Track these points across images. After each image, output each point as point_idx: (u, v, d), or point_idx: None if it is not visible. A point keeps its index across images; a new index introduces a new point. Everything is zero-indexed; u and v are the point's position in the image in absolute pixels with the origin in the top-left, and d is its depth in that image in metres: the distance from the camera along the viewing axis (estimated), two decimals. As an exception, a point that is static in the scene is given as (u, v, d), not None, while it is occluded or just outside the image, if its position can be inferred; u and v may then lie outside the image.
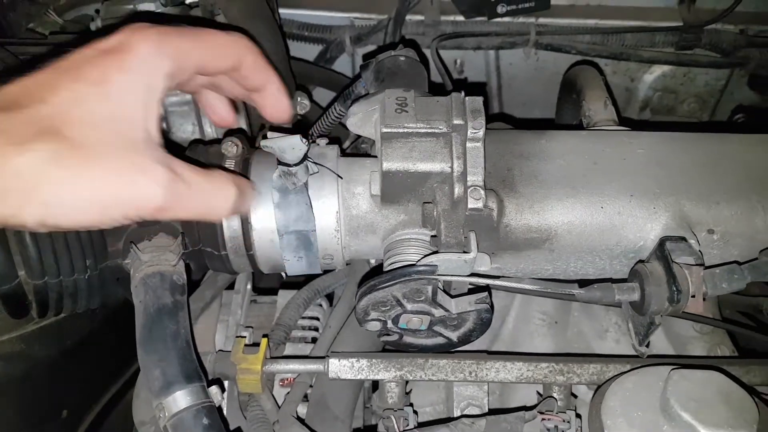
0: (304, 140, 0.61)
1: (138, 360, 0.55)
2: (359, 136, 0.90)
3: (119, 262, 0.64)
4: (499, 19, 1.11)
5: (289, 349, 0.85)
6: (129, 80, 0.47)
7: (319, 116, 0.81)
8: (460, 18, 1.12)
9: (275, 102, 0.59)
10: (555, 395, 0.70)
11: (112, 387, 1.01)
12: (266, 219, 0.65)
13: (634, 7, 1.15)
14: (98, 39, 0.47)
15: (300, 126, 0.87)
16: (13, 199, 0.42)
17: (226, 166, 0.65)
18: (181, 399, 0.52)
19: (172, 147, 0.54)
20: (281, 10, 1.07)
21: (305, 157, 0.63)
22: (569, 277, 0.68)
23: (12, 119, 0.42)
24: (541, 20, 1.13)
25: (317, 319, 0.91)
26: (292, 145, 0.61)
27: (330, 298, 0.97)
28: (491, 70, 1.22)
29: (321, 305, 0.94)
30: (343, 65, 1.20)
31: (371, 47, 1.17)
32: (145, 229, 0.64)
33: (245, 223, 0.65)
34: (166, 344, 0.54)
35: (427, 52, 1.12)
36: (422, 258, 0.59)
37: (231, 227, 0.65)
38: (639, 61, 1.14)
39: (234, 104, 0.62)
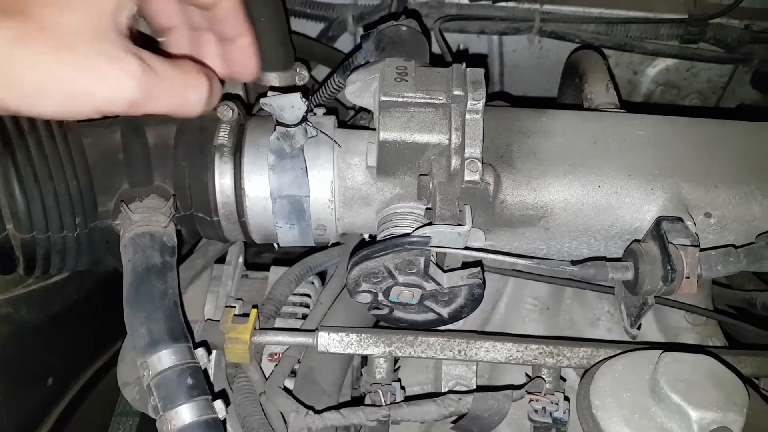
0: (304, 99, 0.60)
1: (124, 319, 0.54)
2: (357, 112, 0.90)
3: (109, 223, 0.63)
4: (503, 4, 1.10)
5: (278, 324, 0.85)
6: None
7: (318, 87, 0.80)
8: (465, 1, 1.11)
9: (244, 57, 0.57)
10: (544, 377, 0.70)
11: (99, 358, 1.01)
12: (260, 185, 0.64)
13: (640, -2, 1.14)
14: None
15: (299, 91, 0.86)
16: None
17: (221, 131, 0.64)
18: (165, 358, 0.51)
19: (145, 42, 0.52)
20: (284, -14, 1.05)
21: (304, 119, 0.62)
22: (563, 258, 0.67)
23: None
24: (546, 7, 1.12)
25: (308, 296, 0.91)
26: (292, 103, 0.60)
27: (322, 277, 0.96)
28: (494, 57, 1.21)
29: (313, 283, 0.93)
30: (344, 44, 1.18)
31: (374, 27, 1.16)
32: (136, 189, 0.63)
33: (238, 189, 0.64)
34: (153, 303, 0.53)
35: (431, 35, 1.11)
36: (416, 230, 0.59)
37: (224, 192, 0.64)
38: (643, 52, 1.13)
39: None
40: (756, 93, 1.23)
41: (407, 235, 0.58)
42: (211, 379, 0.72)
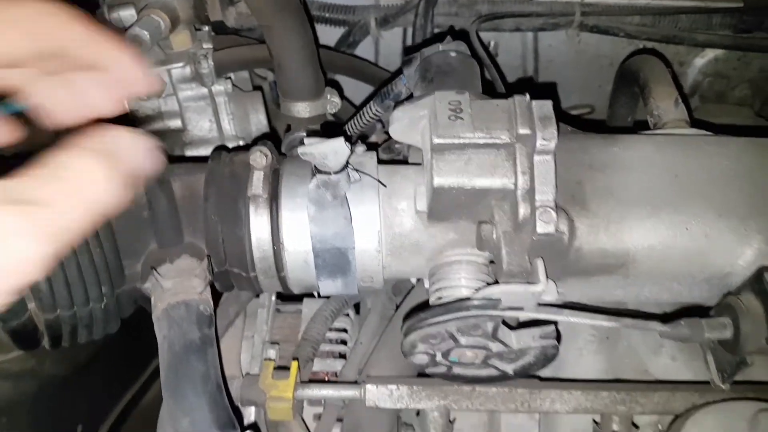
0: (348, 143, 0.53)
1: (164, 405, 0.49)
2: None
3: (137, 286, 0.57)
4: (541, -1, 1.01)
5: (317, 365, 0.79)
6: None
7: (352, 115, 0.73)
8: (498, -4, 1.02)
9: (129, 75, 0.40)
10: (615, 426, 0.64)
11: (125, 396, 0.96)
12: (300, 239, 0.57)
13: (689, -16, 1.04)
14: None
15: (329, 127, 0.79)
16: None
17: (255, 179, 0.57)
18: (213, 454, 0.46)
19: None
20: (301, -11, 0.97)
21: (347, 164, 0.55)
22: (639, 302, 0.61)
23: None
24: (587, -1, 1.03)
25: (345, 331, 0.85)
26: (335, 150, 0.53)
27: (357, 307, 0.90)
28: (528, 52, 1.13)
29: (348, 315, 0.87)
30: (366, 50, 1.10)
31: (398, 29, 1.07)
32: (165, 250, 0.57)
33: (277, 243, 0.58)
34: (195, 389, 0.48)
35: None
36: (482, 288, 0.52)
37: (261, 247, 0.58)
38: (693, 44, 1.04)
39: None
40: (811, 79, 1.14)
41: (471, 298, 0.51)
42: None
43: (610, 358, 0.79)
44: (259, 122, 0.90)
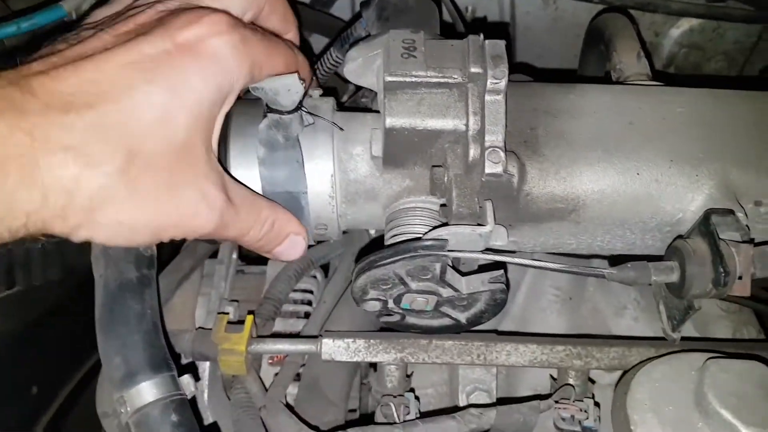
0: (302, 80, 0.52)
1: (98, 345, 0.47)
2: (358, 89, 0.81)
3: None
4: (515, -39, 1.00)
5: (279, 325, 0.78)
6: (207, 89, 0.43)
7: (313, 63, 0.71)
8: (473, -42, 1.01)
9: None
10: (571, 381, 0.64)
11: (88, 360, 0.95)
12: (250, 182, 0.56)
13: (664, -49, 1.03)
14: (165, 22, 0.41)
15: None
16: (74, 219, 0.39)
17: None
18: (146, 391, 0.45)
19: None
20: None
21: (300, 105, 0.54)
22: (593, 252, 0.60)
23: (82, 128, 0.37)
24: (562, -36, 1.02)
25: (311, 292, 0.84)
26: (288, 86, 0.52)
27: (325, 269, 0.89)
28: (505, 19, 1.12)
29: (315, 277, 0.86)
30: (341, 10, 1.08)
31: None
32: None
33: (225, 187, 0.56)
34: (129, 327, 0.46)
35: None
36: (430, 230, 0.51)
37: (209, 191, 0.56)
38: (667, 12, 1.03)
39: None
40: (786, 53, 1.14)
41: (420, 238, 0.50)
42: (205, 394, 0.65)
43: (572, 318, 0.79)
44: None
